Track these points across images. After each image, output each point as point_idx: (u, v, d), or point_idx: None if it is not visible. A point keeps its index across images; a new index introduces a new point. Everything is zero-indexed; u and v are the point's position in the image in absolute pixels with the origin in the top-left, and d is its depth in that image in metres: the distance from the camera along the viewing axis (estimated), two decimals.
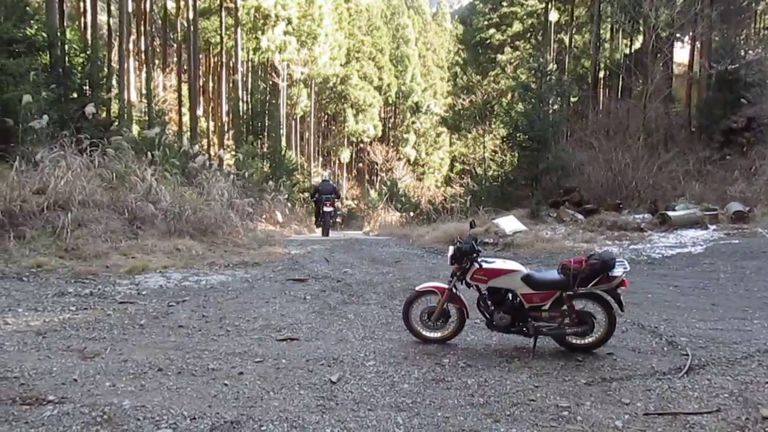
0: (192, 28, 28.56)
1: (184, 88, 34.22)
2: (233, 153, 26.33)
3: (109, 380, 4.27)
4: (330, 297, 7.64)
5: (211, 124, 40.04)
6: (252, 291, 7.94)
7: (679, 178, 20.05)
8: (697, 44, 30.28)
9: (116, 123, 17.42)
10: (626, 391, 4.31)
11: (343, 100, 51.61)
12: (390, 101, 58.84)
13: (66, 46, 15.89)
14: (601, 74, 34.34)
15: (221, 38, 35.16)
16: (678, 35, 30.61)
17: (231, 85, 36.50)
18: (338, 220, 20.38)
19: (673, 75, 32.04)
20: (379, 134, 55.84)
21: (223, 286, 8.15)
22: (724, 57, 24.89)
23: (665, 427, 3.71)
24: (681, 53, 35.44)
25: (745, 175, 19.65)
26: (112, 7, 31.16)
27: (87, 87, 16.33)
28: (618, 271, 5.00)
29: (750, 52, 27.89)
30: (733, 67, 24.81)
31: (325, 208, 17.56)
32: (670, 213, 14.47)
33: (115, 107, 19.64)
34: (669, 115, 28.20)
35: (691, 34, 30.44)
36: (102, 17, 31.66)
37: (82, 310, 6.46)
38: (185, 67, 34.47)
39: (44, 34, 14.66)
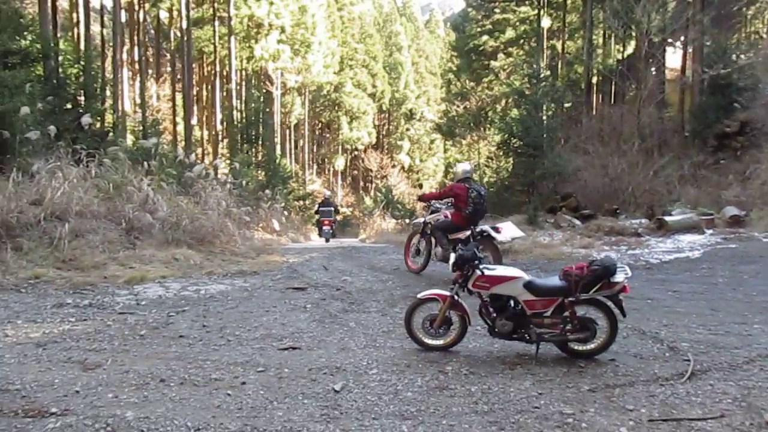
0: (185, 38, 28.53)
1: (178, 97, 34.14)
2: (228, 162, 26.26)
3: (112, 392, 4.23)
4: (330, 305, 7.55)
5: (206, 133, 39.95)
6: (251, 300, 7.85)
7: (674, 183, 20.15)
8: (689, 49, 30.51)
9: (111, 133, 17.34)
10: (630, 397, 4.28)
11: (337, 108, 51.73)
12: (384, 108, 58.94)
13: (60, 57, 15.78)
14: (594, 80, 34.50)
15: (215, 47, 35.15)
16: (670, 40, 30.81)
17: (225, 93, 36.41)
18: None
19: (665, 80, 32.26)
20: (374, 141, 55.98)
21: (223, 296, 8.07)
22: (716, 62, 25.00)
23: None
24: (673, 58, 35.67)
25: (740, 179, 19.76)
26: (105, 18, 31.21)
27: (81, 97, 16.20)
28: (620, 277, 4.98)
29: (742, 56, 28.03)
30: (726, 71, 24.93)
31: (324, 227, 21.24)
32: (667, 218, 14.52)
33: (109, 117, 19.53)
34: (662, 120, 28.41)
35: (683, 39, 30.69)
36: (95, 27, 31.65)
37: (82, 321, 6.41)
38: (179, 77, 34.43)
39: (38, 46, 14.56)
